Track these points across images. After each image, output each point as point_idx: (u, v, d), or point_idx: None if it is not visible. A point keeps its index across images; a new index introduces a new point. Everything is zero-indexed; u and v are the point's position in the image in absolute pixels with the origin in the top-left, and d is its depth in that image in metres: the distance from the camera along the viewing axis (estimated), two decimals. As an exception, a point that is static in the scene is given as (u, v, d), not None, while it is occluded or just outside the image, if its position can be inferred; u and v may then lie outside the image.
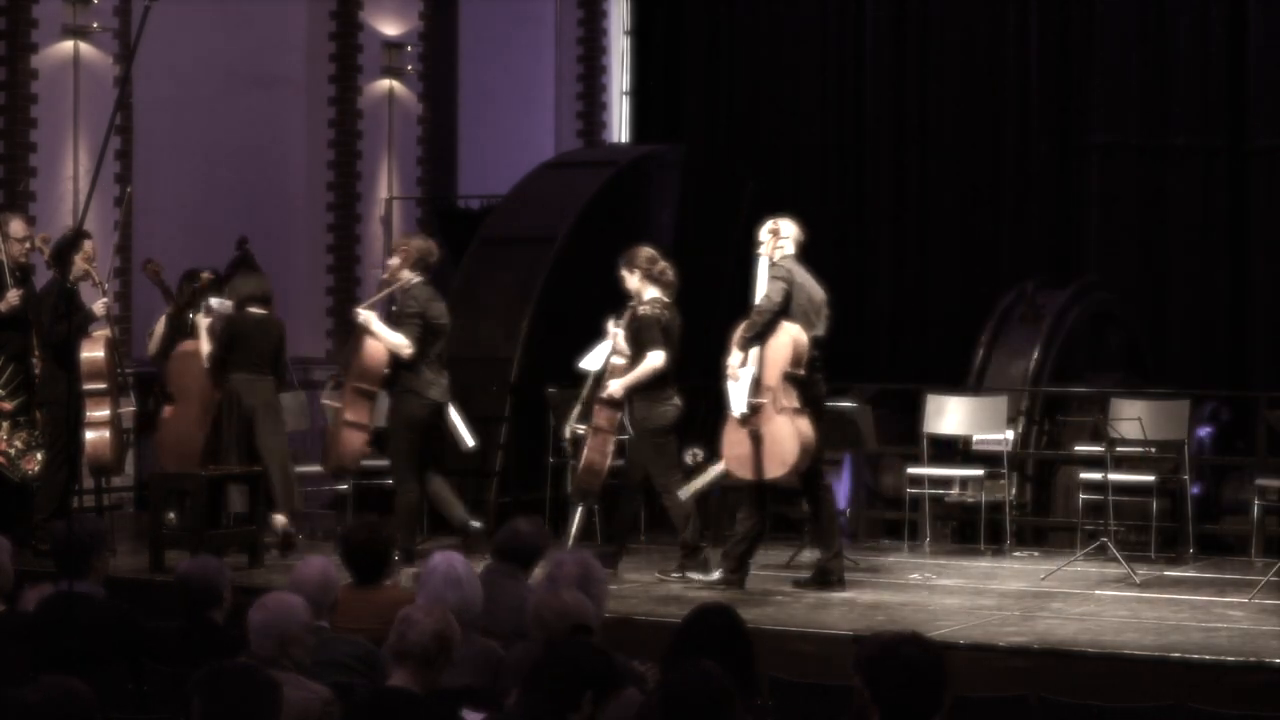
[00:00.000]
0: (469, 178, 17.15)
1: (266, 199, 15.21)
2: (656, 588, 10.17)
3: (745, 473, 10.13)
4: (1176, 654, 8.34)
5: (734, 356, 10.06)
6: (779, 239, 10.13)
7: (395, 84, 15.88)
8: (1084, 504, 11.87)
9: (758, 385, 9.99)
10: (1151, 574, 10.82)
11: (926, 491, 12.18)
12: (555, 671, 4.82)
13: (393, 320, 11.02)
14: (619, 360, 10.78)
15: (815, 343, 10.10)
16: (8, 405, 11.05)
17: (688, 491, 10.54)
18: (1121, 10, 15.19)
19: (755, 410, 9.97)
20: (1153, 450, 11.66)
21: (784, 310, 9.97)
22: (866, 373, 14.78)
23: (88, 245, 11.22)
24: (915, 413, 12.58)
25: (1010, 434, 12.23)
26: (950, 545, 12.35)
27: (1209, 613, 9.51)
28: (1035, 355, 13.07)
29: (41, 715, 4.47)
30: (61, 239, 11.50)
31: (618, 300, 11.44)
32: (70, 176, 13.32)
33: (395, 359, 10.85)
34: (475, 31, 17.49)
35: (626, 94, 18.03)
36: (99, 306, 11.28)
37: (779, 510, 13.15)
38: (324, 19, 15.60)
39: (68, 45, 13.35)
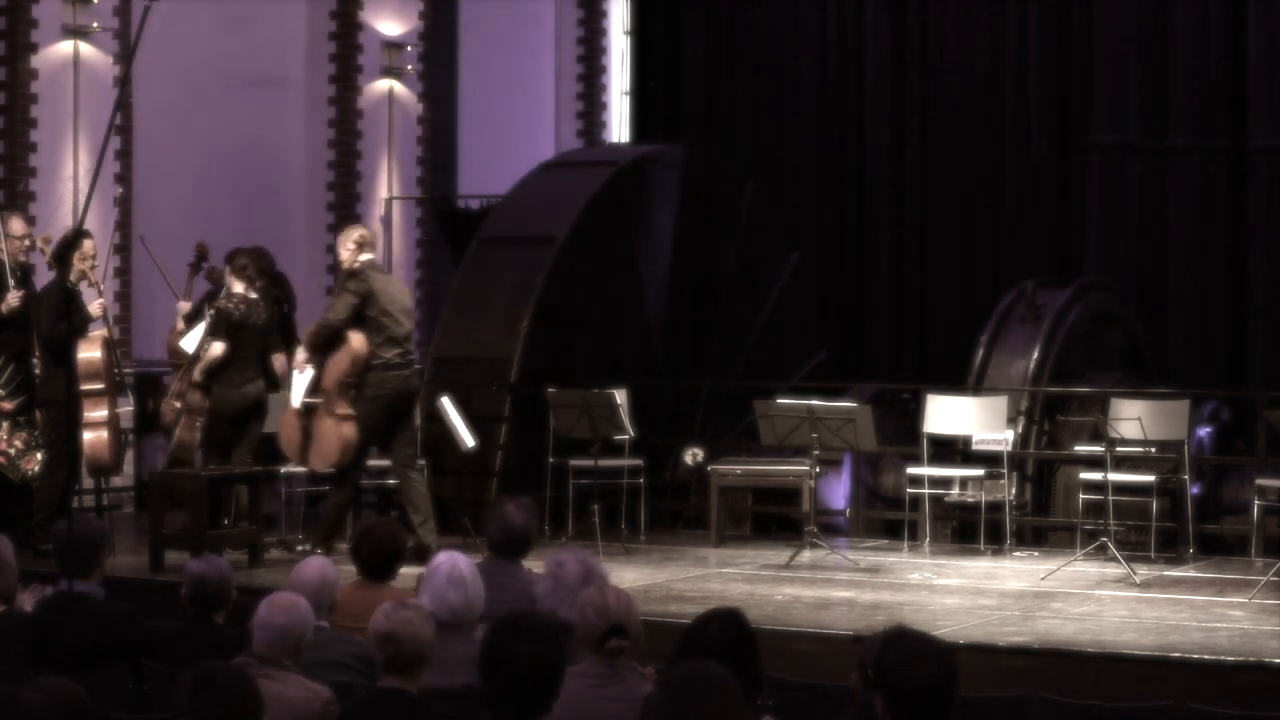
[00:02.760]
0: (469, 178, 17.15)
1: (266, 199, 15.20)
2: (658, 588, 10.17)
3: (293, 456, 11.27)
4: (1176, 654, 8.33)
5: (301, 353, 11.08)
6: (363, 251, 10.95)
7: (395, 84, 15.88)
8: (1084, 504, 11.86)
9: (315, 387, 11.00)
10: (1151, 574, 10.82)
11: (926, 491, 12.17)
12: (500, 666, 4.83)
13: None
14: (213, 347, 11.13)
15: (396, 341, 10.92)
16: (8, 405, 11.04)
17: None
18: (1121, 10, 15.19)
19: (309, 410, 11.02)
20: (1153, 450, 11.65)
21: (357, 318, 10.82)
22: (866, 373, 14.79)
23: (87, 245, 11.23)
24: (915, 413, 12.57)
25: (1010, 434, 12.21)
26: (950, 545, 12.34)
27: (1209, 613, 9.50)
28: (1035, 355, 13.06)
29: (39, 715, 4.47)
30: (63, 239, 11.51)
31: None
32: (70, 176, 13.32)
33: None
34: (475, 31, 17.49)
35: (626, 94, 18.03)
36: (95, 307, 11.29)
37: (779, 510, 13.23)
38: (324, 19, 15.60)
39: (68, 45, 13.34)
